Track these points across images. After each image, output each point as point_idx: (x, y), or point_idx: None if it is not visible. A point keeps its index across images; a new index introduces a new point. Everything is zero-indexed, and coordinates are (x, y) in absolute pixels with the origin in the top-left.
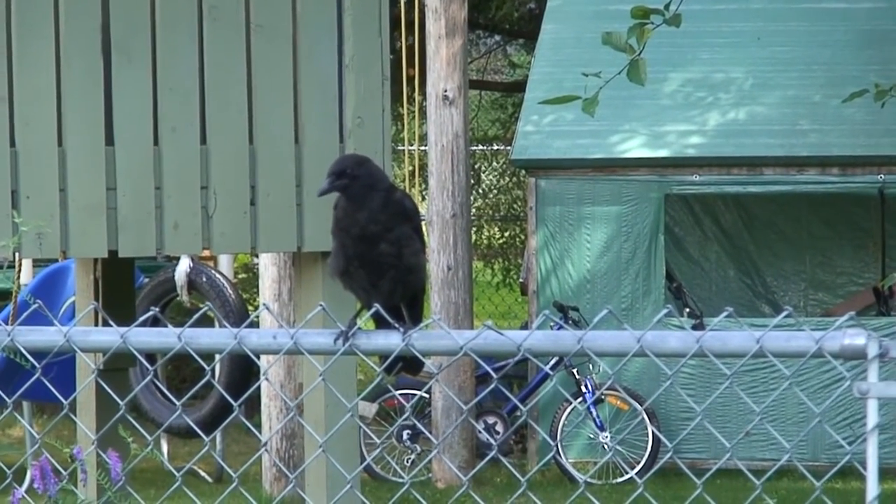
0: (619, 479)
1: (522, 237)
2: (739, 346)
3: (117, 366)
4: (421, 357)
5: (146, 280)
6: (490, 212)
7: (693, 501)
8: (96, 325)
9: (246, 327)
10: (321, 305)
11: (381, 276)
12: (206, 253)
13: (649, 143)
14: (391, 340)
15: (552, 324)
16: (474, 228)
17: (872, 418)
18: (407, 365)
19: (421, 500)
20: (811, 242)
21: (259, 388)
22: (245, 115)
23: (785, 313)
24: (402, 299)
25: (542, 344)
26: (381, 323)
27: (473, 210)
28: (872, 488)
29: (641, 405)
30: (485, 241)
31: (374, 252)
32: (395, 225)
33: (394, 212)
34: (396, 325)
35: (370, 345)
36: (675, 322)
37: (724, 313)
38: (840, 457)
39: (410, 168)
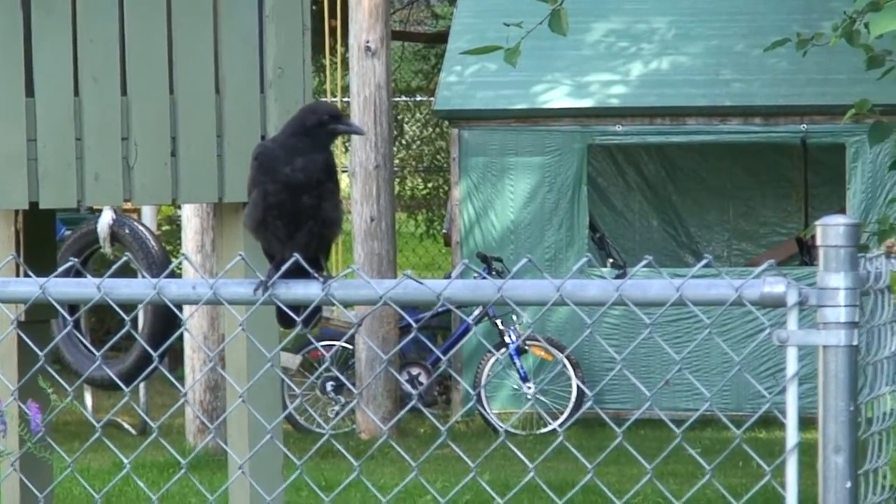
0: (543, 430)
1: (446, 188)
2: (659, 294)
3: (39, 317)
4: (342, 307)
5: (68, 232)
6: (413, 163)
7: (615, 451)
8: (17, 277)
9: (167, 278)
10: (240, 255)
11: (298, 228)
12: (130, 205)
13: (572, 93)
14: (311, 290)
15: (475, 274)
16: (397, 179)
17: (792, 366)
18: (305, 319)
19: (344, 451)
20: (734, 192)
21: (183, 340)
22: (165, 65)
23: (704, 262)
24: (317, 251)
25: (461, 293)
26: (297, 273)
27: (396, 161)
28: (792, 437)
29: (564, 355)
30: (408, 192)
31: (296, 203)
32: (325, 179)
33: (325, 168)
34: (316, 275)
35: (289, 294)
36: (598, 272)
37: (643, 262)
38: (763, 406)
39: None
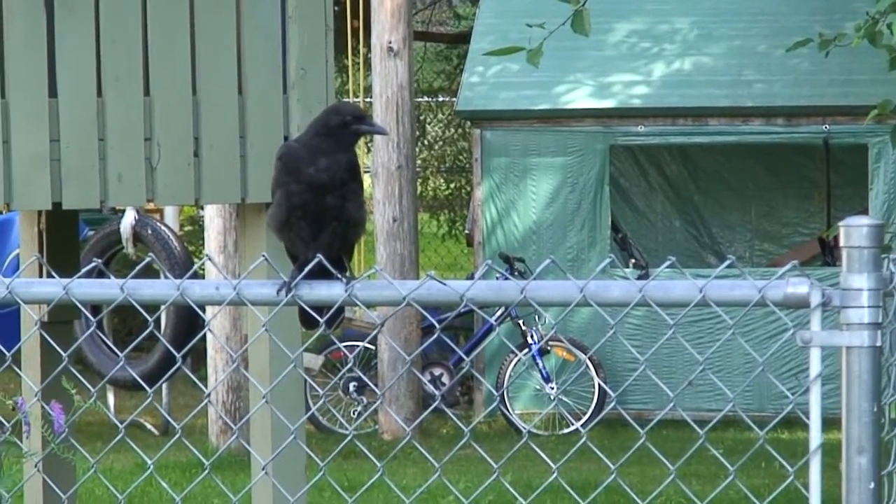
0: (566, 430)
1: (468, 189)
2: (682, 295)
3: (62, 318)
4: (365, 308)
5: (91, 233)
6: (435, 163)
7: (638, 452)
8: (40, 277)
9: (189, 279)
10: (264, 256)
11: (321, 229)
12: (152, 206)
13: (594, 93)
14: (334, 291)
15: (497, 275)
16: (420, 180)
17: (815, 367)
18: (329, 320)
19: (366, 451)
20: (756, 193)
21: (205, 340)
22: (188, 66)
23: (727, 262)
24: (340, 252)
25: (484, 294)
26: (320, 274)
27: (419, 162)
28: (815, 438)
29: (587, 356)
30: (430, 193)
31: (319, 203)
32: (349, 179)
33: (349, 169)
34: (339, 276)
35: (312, 295)
36: (620, 273)
37: (667, 262)
38: (786, 407)
39: None
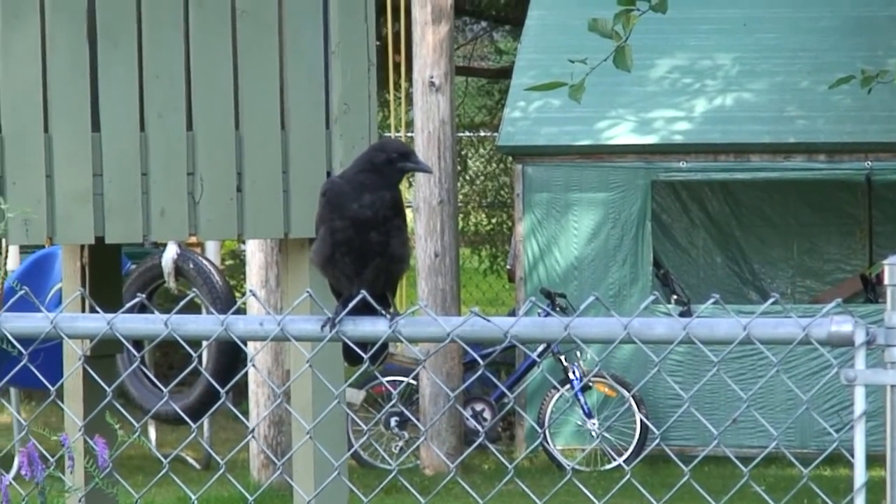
0: (608, 466)
1: (509, 224)
2: (726, 332)
3: (104, 352)
4: (407, 343)
5: (133, 266)
6: (477, 198)
7: (681, 488)
8: (83, 311)
9: (233, 314)
10: (308, 292)
11: (365, 265)
12: (194, 239)
13: (636, 129)
14: (378, 327)
15: (539, 311)
16: (461, 215)
17: (860, 405)
18: (373, 356)
19: (409, 486)
20: (798, 229)
21: (247, 375)
22: (231, 101)
23: (772, 300)
24: (384, 288)
25: (528, 331)
26: (364, 310)
27: (460, 197)
28: (860, 475)
29: (629, 392)
30: (472, 228)
31: (363, 239)
32: (393, 216)
33: (393, 205)
34: (383, 312)
35: (357, 331)
36: (663, 309)
37: (711, 300)
38: (828, 444)
39: None
